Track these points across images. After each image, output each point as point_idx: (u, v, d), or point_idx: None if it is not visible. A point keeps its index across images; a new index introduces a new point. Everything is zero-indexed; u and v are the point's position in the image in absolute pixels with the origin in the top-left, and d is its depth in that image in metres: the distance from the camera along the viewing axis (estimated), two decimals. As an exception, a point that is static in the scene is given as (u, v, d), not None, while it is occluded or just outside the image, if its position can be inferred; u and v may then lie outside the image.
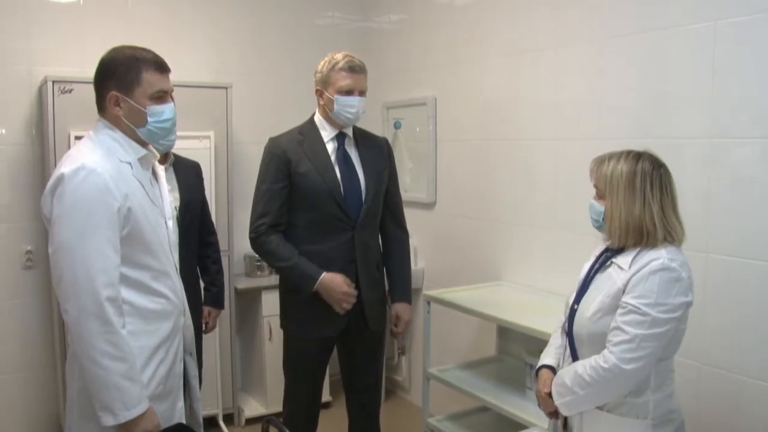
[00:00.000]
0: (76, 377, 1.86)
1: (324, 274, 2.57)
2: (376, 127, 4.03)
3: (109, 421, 1.76)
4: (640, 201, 1.82)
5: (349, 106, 2.61)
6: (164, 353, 1.93)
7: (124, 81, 1.87)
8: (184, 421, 2.04)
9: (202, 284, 3.20)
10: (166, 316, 1.93)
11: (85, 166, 1.77)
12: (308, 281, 2.58)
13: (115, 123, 1.90)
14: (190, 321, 2.12)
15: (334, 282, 2.58)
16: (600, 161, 1.91)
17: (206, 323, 3.20)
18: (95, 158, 1.81)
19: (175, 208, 2.78)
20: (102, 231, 1.76)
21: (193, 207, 3.03)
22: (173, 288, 1.97)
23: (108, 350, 1.74)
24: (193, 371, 2.16)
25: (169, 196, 2.09)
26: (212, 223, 3.28)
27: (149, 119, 1.90)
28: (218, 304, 3.26)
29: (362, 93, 2.64)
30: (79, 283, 1.74)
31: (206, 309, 3.18)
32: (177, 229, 2.12)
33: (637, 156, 1.86)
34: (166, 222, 2.00)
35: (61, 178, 1.77)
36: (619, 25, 2.72)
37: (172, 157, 2.98)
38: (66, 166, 1.80)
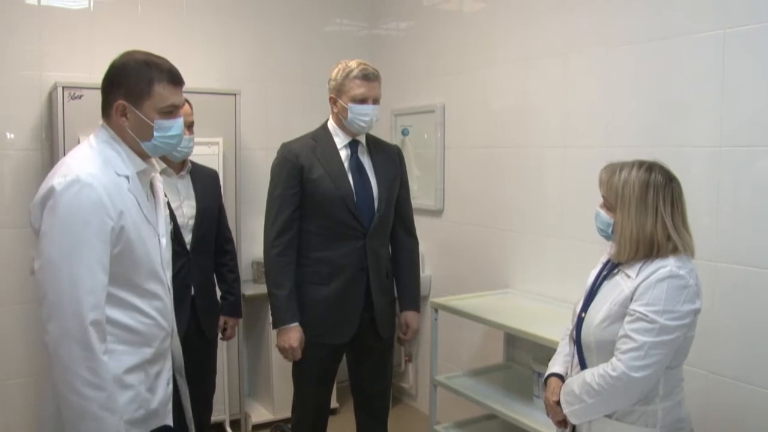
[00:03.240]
0: (50, 398, 1.73)
1: (295, 325, 2.60)
2: (384, 133, 4.02)
3: None
4: (652, 216, 1.80)
5: (363, 115, 2.61)
6: (144, 375, 1.82)
7: (134, 91, 1.77)
8: None
9: (218, 292, 3.15)
10: (151, 338, 1.83)
11: (79, 179, 1.67)
12: (281, 319, 2.61)
13: (119, 133, 1.81)
14: (178, 342, 2.02)
15: (292, 335, 2.60)
16: (611, 171, 1.87)
17: (223, 331, 3.16)
18: (91, 170, 1.71)
19: (178, 216, 2.77)
20: (93, 250, 1.66)
21: (210, 215, 2.97)
22: (161, 310, 1.86)
23: (88, 378, 1.63)
24: (185, 392, 2.08)
25: (164, 211, 1.98)
26: (229, 231, 3.20)
27: (156, 134, 1.81)
28: (236, 313, 3.19)
29: (376, 101, 2.64)
30: (63, 304, 1.63)
31: (223, 318, 3.13)
32: (171, 247, 1.99)
33: (649, 168, 1.82)
34: (159, 240, 1.89)
35: (52, 191, 1.67)
36: (628, 33, 2.72)
37: (189, 164, 2.93)
38: (59, 176, 1.69)
